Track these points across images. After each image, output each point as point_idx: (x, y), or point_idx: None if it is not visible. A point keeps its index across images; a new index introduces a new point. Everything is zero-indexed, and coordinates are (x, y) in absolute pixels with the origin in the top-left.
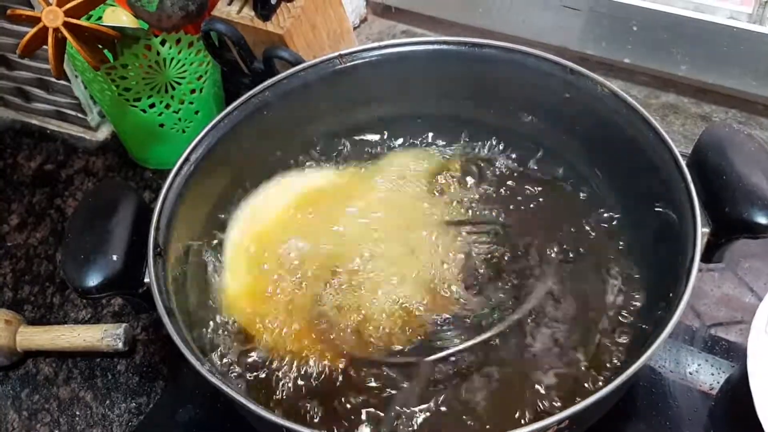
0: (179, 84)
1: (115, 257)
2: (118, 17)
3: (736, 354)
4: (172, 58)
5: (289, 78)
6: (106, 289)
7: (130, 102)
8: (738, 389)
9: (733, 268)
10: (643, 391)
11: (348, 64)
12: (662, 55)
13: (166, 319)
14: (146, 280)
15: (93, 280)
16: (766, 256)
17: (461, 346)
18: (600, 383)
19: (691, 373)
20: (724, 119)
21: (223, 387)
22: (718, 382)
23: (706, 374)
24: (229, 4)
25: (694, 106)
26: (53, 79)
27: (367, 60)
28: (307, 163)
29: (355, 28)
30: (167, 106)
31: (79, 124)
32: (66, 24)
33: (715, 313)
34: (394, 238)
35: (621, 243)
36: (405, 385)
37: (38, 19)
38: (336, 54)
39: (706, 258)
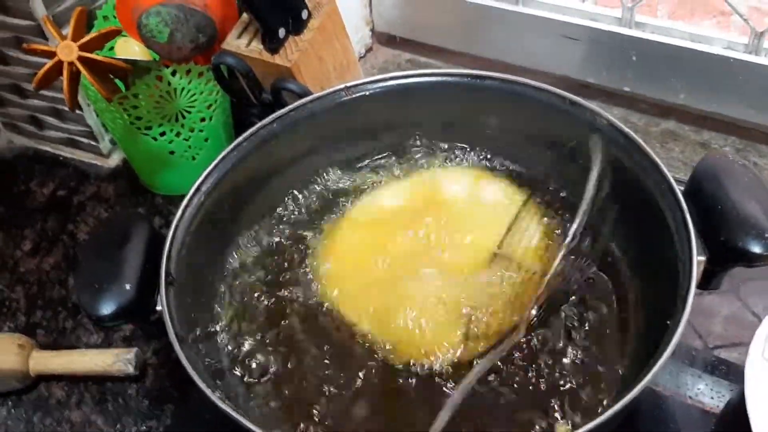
0: (189, 113)
1: (128, 286)
2: (131, 47)
3: (736, 376)
4: (183, 88)
5: (297, 109)
6: (119, 317)
7: (141, 130)
8: (738, 412)
9: (736, 289)
10: (645, 415)
11: (353, 96)
12: (661, 83)
13: (177, 347)
14: (158, 308)
15: (107, 309)
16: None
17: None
18: (598, 410)
19: (691, 397)
20: (723, 146)
21: (234, 414)
22: (718, 405)
23: (707, 397)
24: (239, 37)
25: (693, 133)
26: (66, 108)
27: (371, 92)
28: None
29: (361, 58)
30: (178, 134)
31: (91, 151)
32: (80, 58)
33: (717, 334)
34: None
35: (620, 270)
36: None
37: (53, 53)
38: (342, 86)
39: (704, 285)
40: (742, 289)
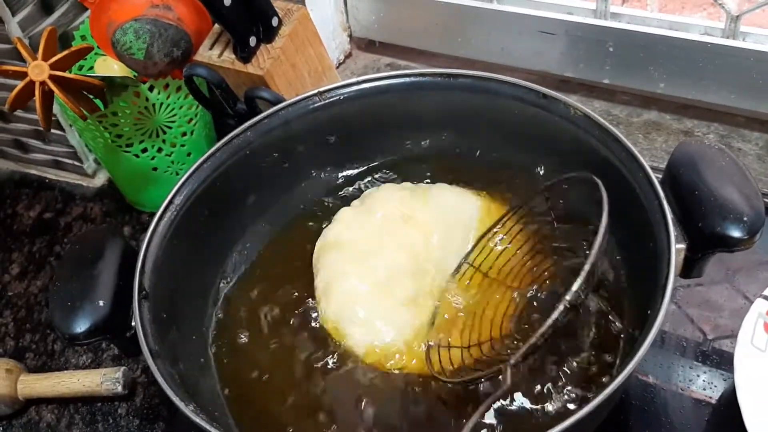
0: (170, 128)
1: (101, 303)
2: (110, 66)
3: (730, 366)
4: (161, 103)
5: (270, 117)
6: (93, 334)
7: (122, 148)
8: (732, 403)
9: (729, 277)
10: (635, 410)
11: (327, 101)
12: (640, 73)
13: (150, 362)
14: (134, 323)
15: (80, 327)
16: (759, 265)
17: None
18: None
19: (683, 390)
20: (707, 134)
21: (208, 427)
22: (712, 397)
23: (700, 388)
24: (211, 48)
25: (675, 122)
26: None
27: (345, 96)
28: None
29: (340, 64)
30: (159, 150)
31: (76, 171)
32: (52, 77)
33: (711, 324)
34: None
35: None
36: None
37: (25, 74)
38: (315, 91)
39: (685, 273)
40: (735, 278)
